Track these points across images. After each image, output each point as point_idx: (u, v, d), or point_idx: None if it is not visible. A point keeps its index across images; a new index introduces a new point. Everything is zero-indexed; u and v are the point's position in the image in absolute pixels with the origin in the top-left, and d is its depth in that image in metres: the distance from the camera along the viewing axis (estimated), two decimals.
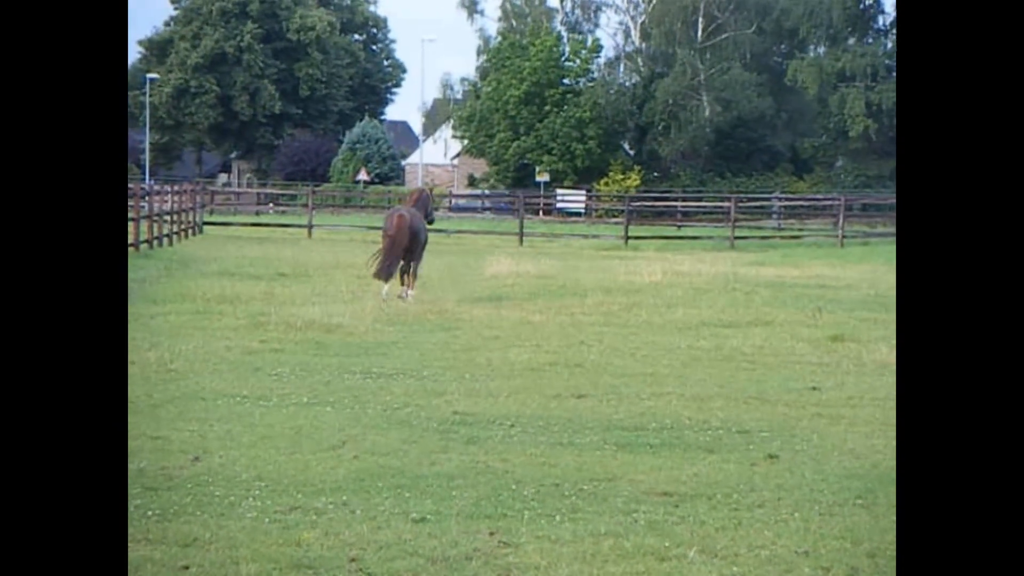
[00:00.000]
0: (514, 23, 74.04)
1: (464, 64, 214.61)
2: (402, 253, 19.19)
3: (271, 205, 62.82)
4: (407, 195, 22.61)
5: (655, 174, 68.14)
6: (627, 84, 68.93)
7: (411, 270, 19.64)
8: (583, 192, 61.65)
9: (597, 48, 69.28)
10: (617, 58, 70.67)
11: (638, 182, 64.61)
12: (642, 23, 69.41)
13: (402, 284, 19.46)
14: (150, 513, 7.01)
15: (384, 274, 18.93)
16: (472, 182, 72.56)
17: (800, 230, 47.64)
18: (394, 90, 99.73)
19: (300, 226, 42.62)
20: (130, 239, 26.92)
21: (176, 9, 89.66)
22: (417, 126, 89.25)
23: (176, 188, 39.65)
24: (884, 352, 14.09)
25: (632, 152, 69.84)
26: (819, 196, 56.12)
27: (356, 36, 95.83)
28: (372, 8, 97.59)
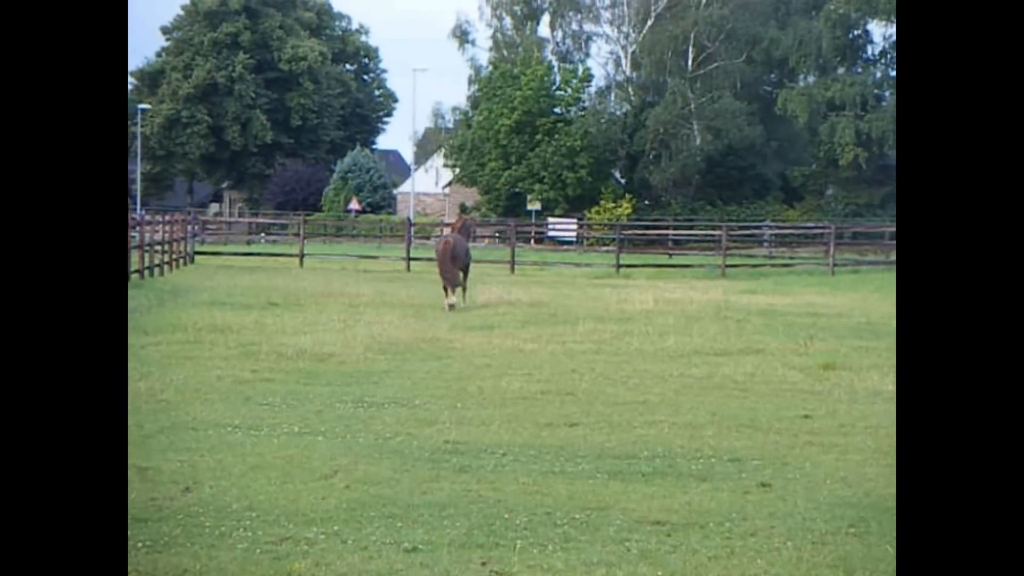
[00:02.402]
0: (505, 53, 74.23)
1: (455, 93, 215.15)
2: (453, 267, 23.78)
3: (262, 235, 62.79)
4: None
5: (646, 202, 68.21)
6: (618, 113, 69.02)
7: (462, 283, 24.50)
8: (574, 220, 61.63)
9: (588, 77, 69.43)
10: (608, 87, 70.87)
11: (629, 210, 64.67)
12: (633, 52, 69.62)
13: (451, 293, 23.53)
14: (140, 545, 6.97)
15: (451, 283, 23.57)
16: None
17: (791, 258, 47.61)
18: (385, 119, 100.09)
19: (291, 255, 42.58)
20: None
21: (168, 40, 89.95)
22: (408, 155, 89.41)
23: (167, 218, 39.59)
24: (876, 380, 14.10)
25: (623, 180, 69.91)
26: (810, 224, 56.21)
27: (348, 66, 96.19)
28: (364, 38, 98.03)
